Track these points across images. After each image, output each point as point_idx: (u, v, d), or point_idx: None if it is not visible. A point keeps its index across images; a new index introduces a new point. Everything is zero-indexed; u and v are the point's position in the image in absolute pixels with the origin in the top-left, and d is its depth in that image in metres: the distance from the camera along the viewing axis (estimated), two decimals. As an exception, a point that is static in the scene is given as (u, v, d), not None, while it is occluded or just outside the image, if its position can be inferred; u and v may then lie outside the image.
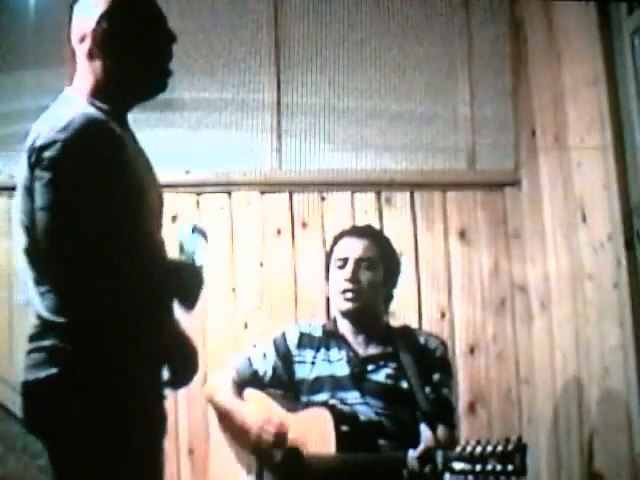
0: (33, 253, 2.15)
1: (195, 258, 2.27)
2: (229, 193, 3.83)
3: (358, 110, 3.95)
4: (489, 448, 2.56)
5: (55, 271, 2.08)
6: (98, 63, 2.22)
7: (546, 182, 3.79)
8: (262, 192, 3.85)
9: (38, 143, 2.11)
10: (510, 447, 2.54)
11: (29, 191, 2.13)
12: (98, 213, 2.06)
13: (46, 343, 2.09)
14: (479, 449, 2.58)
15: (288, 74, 3.93)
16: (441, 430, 2.97)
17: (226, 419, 3.14)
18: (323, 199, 3.88)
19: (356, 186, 3.90)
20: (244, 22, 3.92)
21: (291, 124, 3.91)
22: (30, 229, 2.13)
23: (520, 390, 3.83)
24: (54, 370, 2.07)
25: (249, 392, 3.18)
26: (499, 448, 2.54)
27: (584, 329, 3.43)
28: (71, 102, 2.20)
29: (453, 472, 2.63)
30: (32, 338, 2.13)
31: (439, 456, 2.67)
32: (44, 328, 2.11)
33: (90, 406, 2.05)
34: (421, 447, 2.77)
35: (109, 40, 2.20)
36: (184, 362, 2.26)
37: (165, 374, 2.23)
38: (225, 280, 3.75)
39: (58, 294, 2.09)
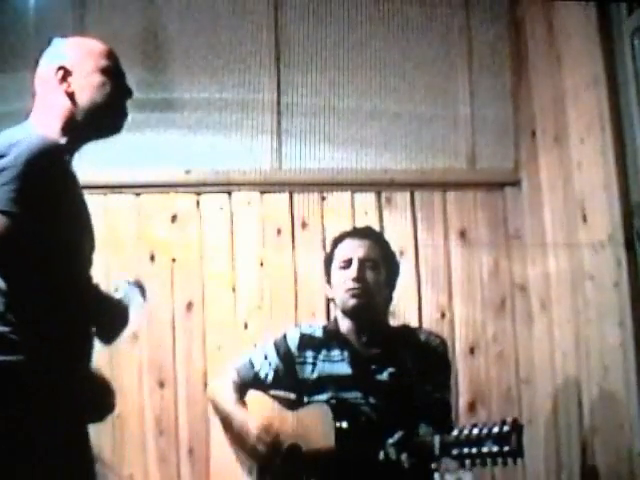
0: None
1: (129, 308, 2.31)
2: (229, 193, 3.84)
3: (358, 110, 3.95)
4: (485, 430, 2.54)
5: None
6: (59, 102, 2.34)
7: (546, 182, 3.79)
8: (262, 192, 3.86)
9: None
10: (506, 428, 2.52)
11: None
12: (44, 226, 2.12)
13: None
14: (475, 431, 2.56)
15: (288, 74, 3.93)
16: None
17: (226, 424, 3.14)
18: (323, 199, 3.88)
19: (356, 186, 3.90)
20: (244, 23, 3.92)
21: (291, 124, 3.91)
22: None
23: (520, 390, 3.83)
24: None
25: (251, 394, 3.18)
26: (495, 430, 2.53)
27: (584, 329, 3.44)
28: (29, 127, 2.31)
29: (451, 456, 2.62)
30: None
31: (435, 441, 2.66)
32: None
33: (15, 417, 2.06)
34: (397, 435, 2.77)
35: (74, 81, 2.34)
36: (96, 398, 2.30)
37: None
38: (225, 280, 3.76)
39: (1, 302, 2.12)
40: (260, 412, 3.15)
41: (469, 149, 3.98)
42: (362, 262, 3.14)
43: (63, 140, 2.32)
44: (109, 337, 2.32)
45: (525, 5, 3.96)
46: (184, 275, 3.74)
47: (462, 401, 3.77)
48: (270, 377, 3.18)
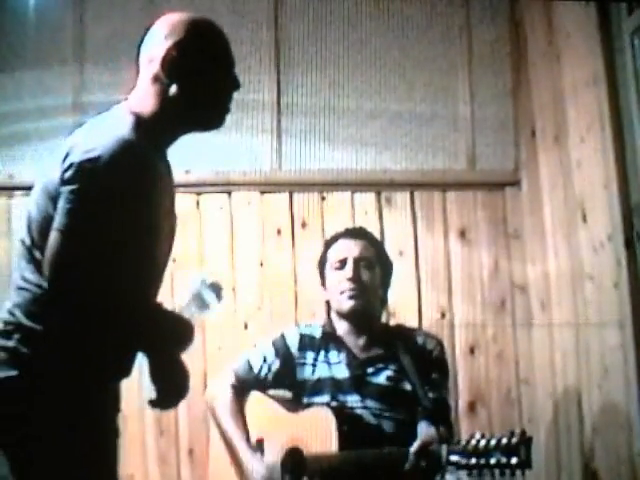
0: (28, 248, 2.13)
1: (201, 311, 2.24)
2: (229, 193, 3.84)
3: (358, 110, 3.95)
4: (493, 441, 2.54)
5: (52, 290, 2.05)
6: (162, 88, 2.20)
7: (546, 182, 3.79)
8: (262, 192, 3.85)
9: (74, 160, 2.06)
10: (515, 440, 2.52)
11: (50, 196, 2.09)
12: (113, 242, 2.03)
13: (10, 343, 2.07)
14: (483, 442, 2.56)
15: (288, 74, 3.93)
16: (441, 430, 2.97)
17: (226, 443, 3.13)
18: (323, 199, 3.88)
19: (356, 186, 3.90)
20: (244, 22, 3.92)
21: (291, 124, 3.91)
22: (36, 228, 2.12)
23: (520, 390, 3.83)
24: (13, 372, 2.05)
25: (252, 396, 3.17)
26: (503, 441, 2.52)
27: (584, 329, 3.43)
28: (119, 119, 2.17)
29: (457, 466, 2.62)
30: None
31: (443, 450, 2.66)
32: (11, 326, 2.09)
33: (43, 414, 2.04)
34: (417, 442, 2.77)
35: (180, 68, 2.19)
36: (172, 385, 2.25)
37: (152, 393, 2.23)
38: (225, 280, 3.75)
39: (38, 299, 2.08)
40: (260, 413, 3.14)
41: (469, 149, 3.98)
42: (357, 262, 3.13)
43: (157, 132, 2.17)
44: (171, 357, 2.21)
45: (525, 4, 3.95)
46: (184, 275, 3.73)
47: (462, 401, 3.77)
48: (270, 378, 3.17)
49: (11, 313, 2.11)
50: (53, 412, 2.04)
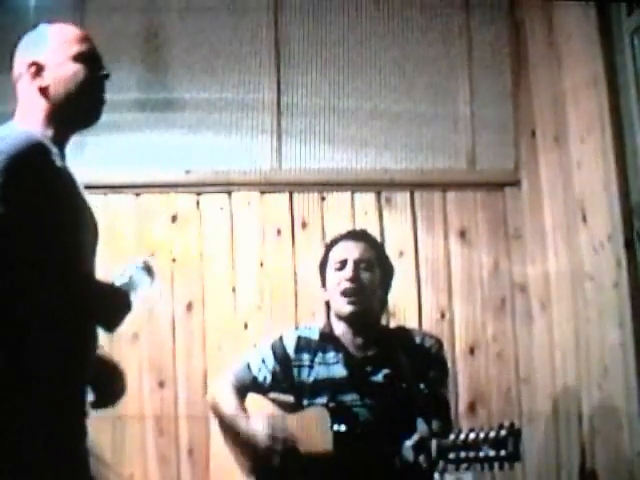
0: None
1: (135, 290, 2.28)
2: (229, 193, 3.84)
3: (358, 110, 3.95)
4: (482, 434, 2.55)
5: None
6: (36, 96, 2.28)
7: (546, 182, 3.79)
8: (262, 192, 3.86)
9: None
10: (503, 432, 2.53)
11: None
12: (24, 230, 2.08)
13: None
14: (472, 436, 2.57)
15: (288, 74, 3.93)
16: (436, 424, 2.97)
17: (228, 428, 3.13)
18: (323, 199, 3.88)
19: (356, 186, 3.90)
20: (244, 22, 3.92)
21: (291, 124, 3.91)
22: None
23: (520, 390, 3.83)
24: None
25: (250, 397, 3.18)
26: (492, 434, 2.53)
27: (584, 329, 3.44)
28: (15, 127, 2.26)
29: (448, 460, 2.62)
30: None
31: (433, 445, 2.66)
32: None
33: (13, 424, 2.04)
34: (415, 437, 2.77)
35: (47, 74, 2.28)
36: (107, 383, 2.31)
37: (90, 395, 2.27)
38: (225, 280, 3.76)
39: None
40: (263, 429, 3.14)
41: (469, 149, 3.98)
42: (357, 263, 3.13)
43: (49, 133, 2.27)
44: (110, 325, 2.26)
45: (525, 5, 3.96)
46: (184, 275, 3.74)
47: (462, 401, 3.77)
48: (268, 380, 3.17)
49: None
50: (22, 420, 2.05)
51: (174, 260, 3.75)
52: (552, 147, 3.72)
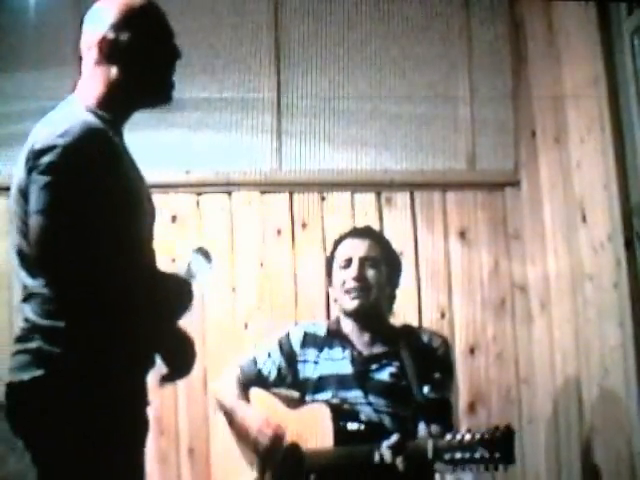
0: (25, 255, 2.15)
1: (195, 278, 2.28)
2: (229, 193, 3.84)
3: (358, 110, 3.95)
4: (477, 436, 2.55)
5: (46, 275, 2.08)
6: (104, 71, 2.24)
7: (546, 182, 3.79)
8: (262, 192, 3.86)
9: (37, 147, 2.11)
10: (497, 434, 2.53)
11: (24, 194, 2.13)
12: (93, 219, 2.07)
13: (32, 345, 2.10)
14: (468, 437, 2.57)
15: (288, 74, 3.93)
16: (435, 428, 2.97)
17: (229, 418, 3.15)
18: (323, 199, 3.88)
19: (356, 186, 3.90)
20: (244, 22, 3.92)
21: (291, 124, 3.91)
22: (24, 231, 2.13)
23: (520, 390, 3.83)
24: (39, 372, 2.07)
25: (254, 391, 3.19)
26: (486, 436, 2.54)
27: (584, 329, 3.44)
28: (72, 108, 2.22)
29: (443, 461, 2.63)
30: (18, 340, 2.14)
31: (428, 445, 2.67)
32: (31, 330, 2.11)
33: (74, 410, 2.05)
34: (393, 438, 2.77)
35: (117, 50, 2.24)
36: (179, 354, 2.27)
37: (161, 370, 2.25)
38: (225, 280, 3.76)
39: (47, 297, 2.09)
40: (262, 410, 3.15)
41: (469, 149, 3.98)
42: (362, 261, 3.15)
43: (109, 114, 2.22)
44: (175, 316, 2.25)
45: (525, 5, 3.96)
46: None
47: (462, 401, 3.77)
48: (273, 375, 3.19)
49: (26, 320, 2.13)
50: (82, 407, 2.05)
51: (174, 260, 3.75)
52: (552, 147, 3.72)
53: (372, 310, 3.15)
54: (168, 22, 2.32)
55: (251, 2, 3.93)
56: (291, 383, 3.18)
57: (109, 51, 2.24)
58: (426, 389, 3.05)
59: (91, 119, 2.18)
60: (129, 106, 2.30)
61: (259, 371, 3.19)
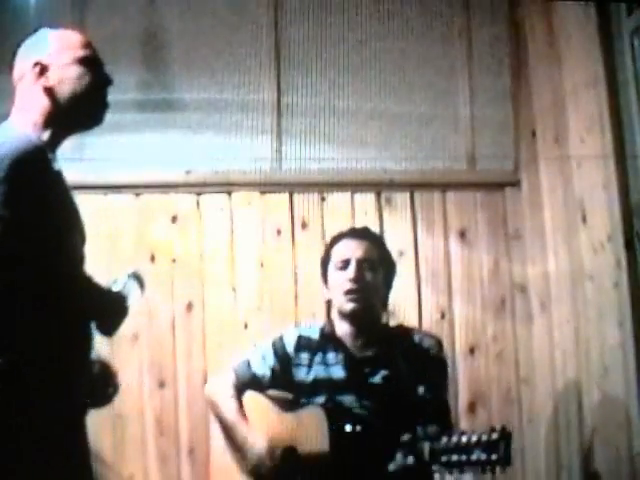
0: None
1: (126, 297, 2.33)
2: (229, 193, 3.84)
3: (358, 111, 3.95)
4: (474, 438, 2.55)
5: None
6: (53, 98, 2.31)
7: (546, 183, 3.79)
8: (262, 192, 3.86)
9: None
10: (494, 436, 2.53)
11: None
12: (25, 233, 2.11)
13: None
14: (464, 439, 2.57)
15: (288, 75, 3.93)
16: (433, 429, 2.97)
17: (226, 432, 3.13)
18: (323, 199, 3.88)
19: (356, 186, 3.90)
20: (244, 23, 3.92)
21: (291, 125, 3.91)
22: None
23: (520, 390, 3.83)
24: None
25: (248, 395, 3.18)
26: (483, 437, 2.54)
27: (584, 329, 3.44)
28: (11, 129, 2.28)
29: (440, 463, 2.63)
30: None
31: (426, 448, 2.66)
32: None
33: (8, 417, 2.07)
34: (404, 438, 2.77)
35: (74, 82, 2.32)
36: (100, 385, 2.35)
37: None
38: (225, 280, 3.76)
39: None
40: (256, 413, 3.14)
41: (469, 149, 3.98)
42: (360, 262, 3.13)
43: (45, 136, 2.30)
44: (109, 329, 2.30)
45: (525, 5, 3.96)
46: (184, 275, 3.74)
47: (462, 401, 3.77)
48: (267, 378, 3.17)
49: None
50: (18, 414, 2.07)
51: (174, 260, 3.75)
52: (552, 147, 3.72)
53: (368, 312, 3.14)
54: (96, 53, 2.41)
55: (251, 2, 3.93)
56: (285, 386, 3.16)
57: (67, 83, 2.32)
58: (421, 390, 3.04)
59: (30, 137, 2.25)
60: (64, 129, 2.35)
61: (254, 374, 3.18)
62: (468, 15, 4.04)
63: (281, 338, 3.21)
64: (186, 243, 3.77)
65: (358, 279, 3.11)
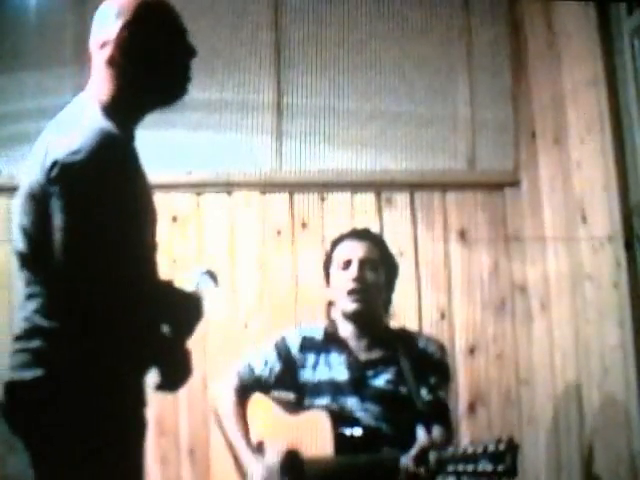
0: (28, 257, 2.16)
1: (202, 298, 2.29)
2: (229, 193, 3.84)
3: (358, 111, 3.95)
4: (480, 448, 2.55)
5: (66, 283, 2.09)
6: (118, 70, 2.22)
7: (546, 182, 3.79)
8: (262, 192, 3.86)
9: (58, 158, 2.09)
10: (501, 447, 2.52)
11: (38, 200, 2.12)
12: (111, 231, 2.08)
13: (33, 345, 2.10)
14: (471, 449, 2.57)
15: (288, 75, 3.93)
16: (437, 431, 2.97)
17: (229, 448, 3.13)
18: (323, 199, 3.88)
19: (356, 186, 3.90)
20: (244, 23, 3.92)
21: (291, 125, 3.91)
22: (30, 234, 2.14)
23: (520, 390, 3.83)
24: (40, 372, 2.08)
25: (253, 397, 3.17)
26: (490, 448, 2.53)
27: (584, 329, 3.44)
28: (88, 111, 2.19)
29: (446, 473, 2.63)
30: (18, 339, 2.14)
31: (432, 457, 2.66)
32: (31, 330, 2.12)
33: (73, 409, 2.06)
34: (415, 447, 2.78)
35: (133, 47, 2.21)
36: (174, 365, 2.29)
37: (155, 378, 2.25)
38: (225, 280, 3.75)
39: (53, 299, 2.10)
40: (261, 415, 3.14)
41: (469, 149, 3.98)
42: (362, 263, 3.13)
43: (123, 115, 2.20)
44: (185, 331, 2.27)
45: (525, 5, 3.96)
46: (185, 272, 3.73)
47: (462, 402, 3.77)
48: (271, 380, 3.17)
49: (27, 319, 2.13)
50: (81, 408, 2.06)
51: (174, 260, 3.75)
52: (552, 147, 3.72)
53: (371, 313, 3.14)
54: (182, 20, 2.30)
55: (251, 2, 3.93)
56: (289, 387, 3.15)
57: (126, 47, 2.20)
58: (424, 392, 3.04)
59: (108, 126, 2.15)
60: (144, 106, 2.28)
61: (257, 377, 3.17)
62: (468, 15, 4.03)
63: (283, 339, 3.21)
64: (186, 243, 3.77)
65: (360, 278, 3.11)
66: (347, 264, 3.14)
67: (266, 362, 3.18)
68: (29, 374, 2.08)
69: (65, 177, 2.07)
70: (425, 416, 2.97)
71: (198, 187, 3.82)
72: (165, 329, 2.25)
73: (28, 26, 3.75)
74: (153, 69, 2.23)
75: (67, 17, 3.76)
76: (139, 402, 2.23)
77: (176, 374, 2.30)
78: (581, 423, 3.46)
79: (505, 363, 3.85)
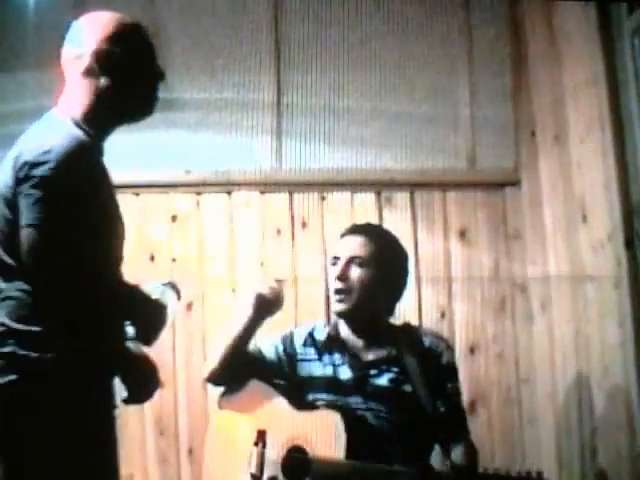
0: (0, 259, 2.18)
1: (166, 307, 2.32)
2: (229, 193, 3.84)
3: (358, 110, 3.95)
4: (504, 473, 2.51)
5: (33, 284, 2.12)
6: (92, 83, 2.28)
7: (546, 182, 3.79)
8: (262, 192, 3.86)
9: (28, 159, 2.14)
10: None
11: (9, 202, 2.17)
12: (78, 233, 2.11)
13: (5, 349, 2.12)
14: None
15: (288, 74, 3.93)
16: (458, 451, 2.89)
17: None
18: (323, 199, 3.88)
19: (356, 186, 3.90)
20: (244, 22, 3.92)
21: (291, 124, 3.91)
22: (1, 236, 2.17)
23: (520, 390, 3.83)
24: (13, 377, 2.10)
25: (257, 384, 3.13)
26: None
27: (584, 329, 3.44)
28: (58, 122, 2.26)
29: None
30: None
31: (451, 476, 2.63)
32: (4, 334, 2.14)
33: (46, 414, 2.08)
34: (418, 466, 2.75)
35: (109, 62, 2.28)
36: (139, 379, 2.34)
37: (123, 392, 2.30)
38: (225, 280, 3.75)
39: (23, 302, 2.13)
40: (263, 405, 3.11)
41: (469, 149, 3.98)
42: (349, 260, 3.04)
43: (93, 129, 2.26)
44: (149, 337, 2.31)
45: (525, 5, 3.96)
46: (184, 275, 3.73)
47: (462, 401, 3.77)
48: (275, 366, 3.12)
49: (1, 324, 2.15)
50: (55, 411, 2.07)
51: (174, 260, 3.75)
52: (552, 147, 3.72)
53: (360, 312, 3.04)
54: (152, 43, 2.40)
55: (251, 2, 3.93)
56: (290, 381, 3.14)
57: (104, 60, 2.27)
58: (440, 404, 2.95)
59: (79, 134, 2.22)
60: (114, 120, 2.34)
61: (263, 358, 3.13)
62: (468, 14, 4.03)
63: (291, 334, 3.19)
64: (186, 243, 3.77)
65: (343, 276, 3.02)
66: (335, 261, 3.08)
67: (275, 350, 3.14)
68: (2, 379, 2.11)
69: (34, 175, 2.12)
70: (442, 432, 2.90)
71: (198, 187, 3.82)
72: (130, 331, 2.29)
73: (28, 26, 3.75)
74: (127, 84, 2.31)
75: (67, 17, 3.75)
76: (109, 404, 2.25)
77: (142, 387, 2.35)
78: (582, 422, 3.46)
79: (505, 362, 3.85)
